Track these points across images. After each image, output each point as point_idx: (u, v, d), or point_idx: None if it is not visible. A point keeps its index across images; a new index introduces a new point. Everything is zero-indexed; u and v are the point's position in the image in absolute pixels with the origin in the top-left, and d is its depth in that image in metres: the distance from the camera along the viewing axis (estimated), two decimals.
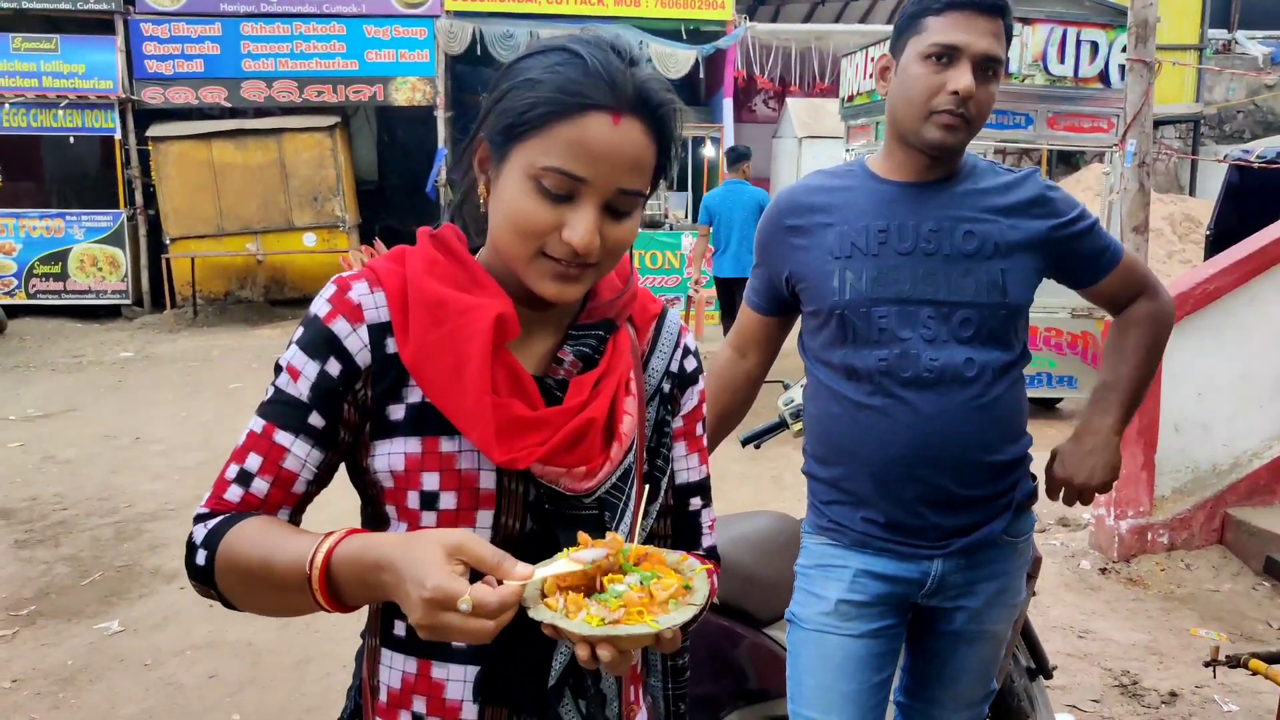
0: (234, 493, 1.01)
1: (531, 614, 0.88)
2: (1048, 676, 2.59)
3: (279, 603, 0.97)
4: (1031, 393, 7.24)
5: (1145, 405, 4.26)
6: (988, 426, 1.69)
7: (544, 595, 0.90)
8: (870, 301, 1.68)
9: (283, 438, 1.01)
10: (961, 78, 1.61)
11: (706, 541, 1.21)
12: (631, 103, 0.96)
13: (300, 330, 1.03)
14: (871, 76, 1.78)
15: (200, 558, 1.00)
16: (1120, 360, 1.85)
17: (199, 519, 1.02)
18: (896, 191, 1.73)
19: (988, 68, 1.64)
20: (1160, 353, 1.88)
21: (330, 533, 0.94)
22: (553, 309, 1.08)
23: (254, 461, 1.01)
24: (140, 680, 3.41)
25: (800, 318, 1.85)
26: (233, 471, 1.02)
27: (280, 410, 1.02)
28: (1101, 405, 1.83)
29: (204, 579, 1.00)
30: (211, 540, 0.99)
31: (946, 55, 1.62)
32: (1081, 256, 1.79)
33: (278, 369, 1.03)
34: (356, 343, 1.01)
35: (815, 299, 1.74)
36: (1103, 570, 4.31)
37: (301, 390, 1.01)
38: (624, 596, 0.89)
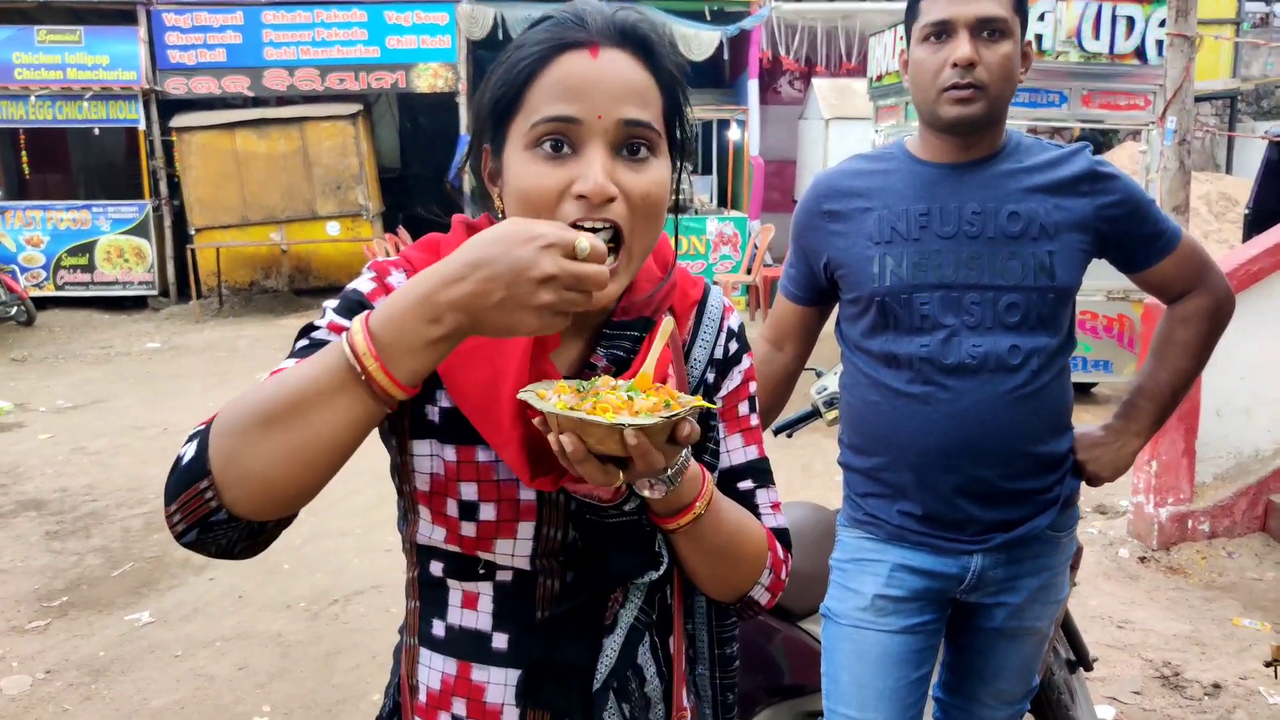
0: None
1: (520, 394, 0.85)
2: (1088, 669, 2.53)
3: (306, 430, 0.78)
4: None
5: None
6: (1033, 417, 1.64)
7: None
8: (911, 288, 1.63)
9: None
10: (958, 48, 1.58)
11: (770, 523, 1.10)
12: (608, 34, 0.91)
13: (339, 300, 0.97)
14: (898, 56, 1.74)
15: (189, 452, 0.82)
16: (1161, 364, 1.78)
17: (194, 436, 0.84)
18: (937, 173, 1.67)
19: (988, 29, 1.58)
20: (1211, 350, 1.80)
21: None
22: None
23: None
24: (171, 671, 3.42)
25: (838, 305, 1.80)
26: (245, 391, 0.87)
27: (317, 348, 0.88)
28: (1132, 410, 1.78)
29: (195, 471, 0.80)
30: (204, 430, 0.82)
31: (941, 32, 1.60)
32: (1133, 239, 1.71)
33: (311, 327, 0.95)
34: None
35: (855, 286, 1.69)
36: (1142, 559, 4.22)
37: None
38: (604, 399, 0.85)
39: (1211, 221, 11.81)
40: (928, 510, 1.66)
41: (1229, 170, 14.32)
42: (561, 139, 0.89)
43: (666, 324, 0.92)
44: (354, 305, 0.95)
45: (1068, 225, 1.64)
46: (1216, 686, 3.20)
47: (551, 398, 0.85)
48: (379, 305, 0.81)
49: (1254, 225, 7.31)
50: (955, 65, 1.58)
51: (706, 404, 0.89)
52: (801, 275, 1.81)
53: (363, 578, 4.05)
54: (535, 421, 0.86)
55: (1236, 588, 3.97)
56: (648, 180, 0.91)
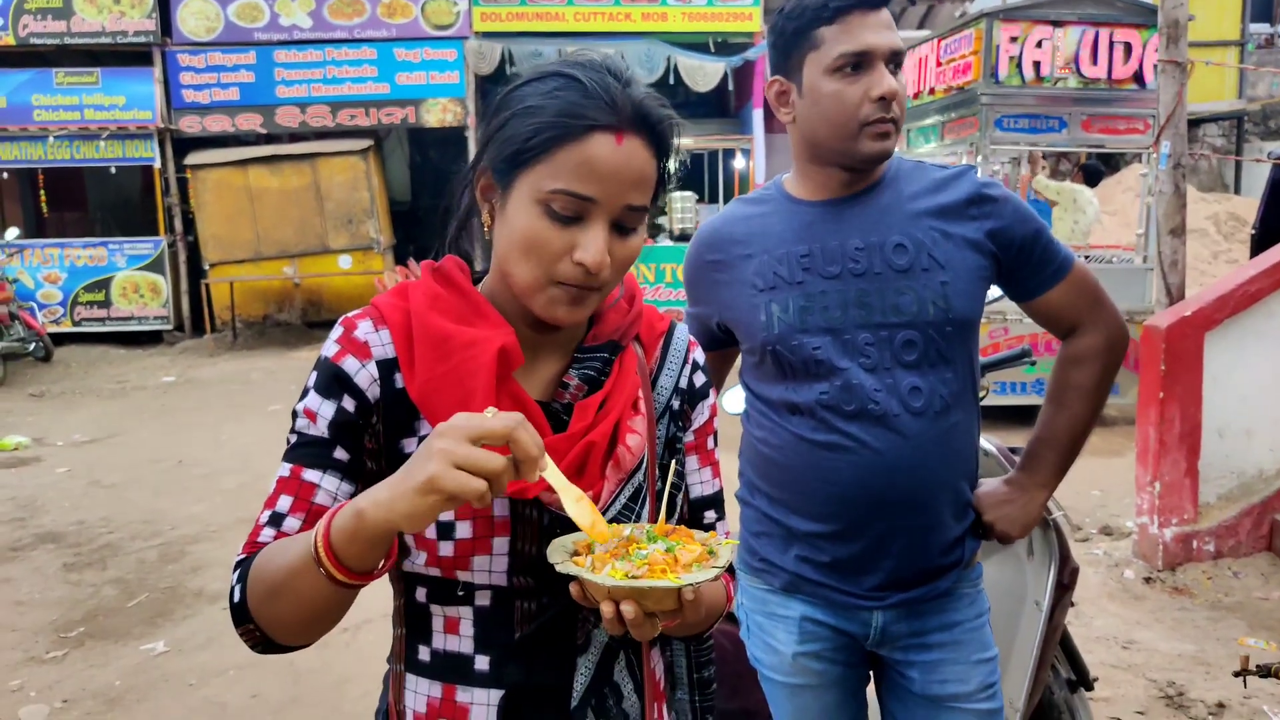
0: (267, 534, 1.01)
1: (559, 568, 0.91)
2: (1089, 688, 2.54)
3: (300, 600, 0.93)
4: None
5: (1187, 410, 4.20)
6: (943, 460, 1.56)
7: (575, 555, 0.94)
8: (800, 332, 1.55)
9: (311, 475, 1.01)
10: (883, 80, 1.49)
11: None
12: (632, 120, 0.98)
13: (314, 374, 1.04)
14: (770, 87, 1.64)
15: (236, 593, 0.99)
16: (1058, 411, 1.69)
17: (236, 566, 1.02)
18: (816, 212, 1.60)
19: (896, 63, 1.52)
20: (1106, 392, 1.70)
21: None
22: (559, 332, 1.09)
23: (285, 502, 1.01)
24: (185, 700, 3.46)
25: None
26: (265, 516, 1.02)
27: (305, 451, 1.02)
28: (1034, 462, 1.70)
29: (242, 615, 0.99)
30: (244, 573, 0.99)
31: (859, 62, 1.49)
32: (1025, 263, 1.62)
33: (295, 416, 1.04)
34: (366, 378, 1.03)
35: (747, 336, 1.62)
36: (1147, 579, 4.22)
37: (322, 429, 1.02)
38: (649, 557, 0.91)
39: (1221, 242, 11.82)
40: (833, 557, 1.59)
41: (1237, 190, 14.33)
42: (574, 210, 0.98)
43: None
44: (327, 378, 1.03)
45: (959, 251, 1.56)
46: (1221, 706, 3.20)
47: (586, 561, 0.92)
48: (339, 511, 0.89)
49: (1260, 245, 7.31)
50: (882, 99, 1.49)
51: (736, 541, 1.00)
52: (698, 328, 1.73)
53: (371, 606, 4.05)
54: (572, 590, 0.93)
55: (1243, 607, 3.97)
56: (631, 247, 1.03)
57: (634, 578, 0.89)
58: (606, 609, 0.89)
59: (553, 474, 0.91)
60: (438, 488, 0.82)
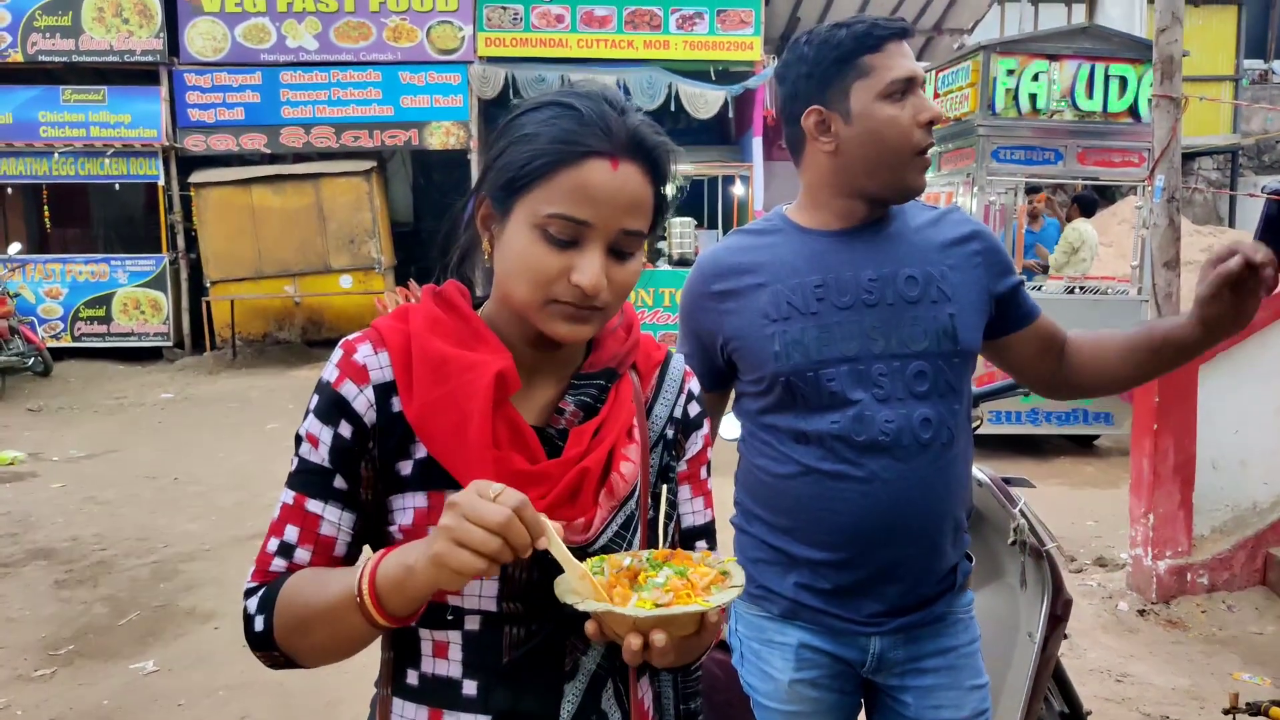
0: (278, 564, 1.04)
1: (580, 607, 0.91)
2: None
3: (335, 635, 0.97)
4: (1068, 429, 7.17)
5: (1181, 442, 4.20)
6: (947, 490, 1.58)
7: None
8: (817, 364, 1.53)
9: (314, 505, 1.04)
10: (927, 105, 1.50)
11: None
12: (627, 147, 1.00)
13: (315, 398, 1.06)
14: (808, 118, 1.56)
15: (258, 623, 1.02)
16: (1119, 331, 1.66)
17: (249, 593, 1.04)
18: (826, 242, 1.59)
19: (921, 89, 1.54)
20: None
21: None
22: (559, 355, 1.10)
23: (292, 533, 1.04)
24: None
25: (737, 381, 1.70)
26: (274, 545, 1.04)
27: (307, 479, 1.04)
28: (1174, 319, 1.57)
29: (264, 643, 1.02)
30: (266, 602, 1.01)
31: (905, 89, 1.50)
32: (1014, 298, 1.67)
33: (299, 439, 1.06)
34: (364, 403, 1.04)
35: (755, 365, 1.59)
36: (1141, 612, 4.22)
37: (323, 456, 1.04)
38: (668, 582, 0.92)
39: None
40: (837, 585, 1.58)
41: (1232, 223, 14.43)
42: (569, 234, 0.99)
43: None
44: (327, 403, 1.05)
45: (965, 286, 1.59)
46: None
47: (596, 591, 0.92)
48: (385, 560, 0.93)
49: None
50: (930, 123, 1.50)
51: (737, 559, 1.01)
52: (695, 359, 1.65)
53: None
54: (587, 629, 0.94)
55: (1237, 641, 3.96)
56: (629, 271, 1.04)
57: (661, 605, 0.89)
58: (634, 642, 0.89)
59: (556, 549, 0.92)
60: (443, 563, 0.86)
